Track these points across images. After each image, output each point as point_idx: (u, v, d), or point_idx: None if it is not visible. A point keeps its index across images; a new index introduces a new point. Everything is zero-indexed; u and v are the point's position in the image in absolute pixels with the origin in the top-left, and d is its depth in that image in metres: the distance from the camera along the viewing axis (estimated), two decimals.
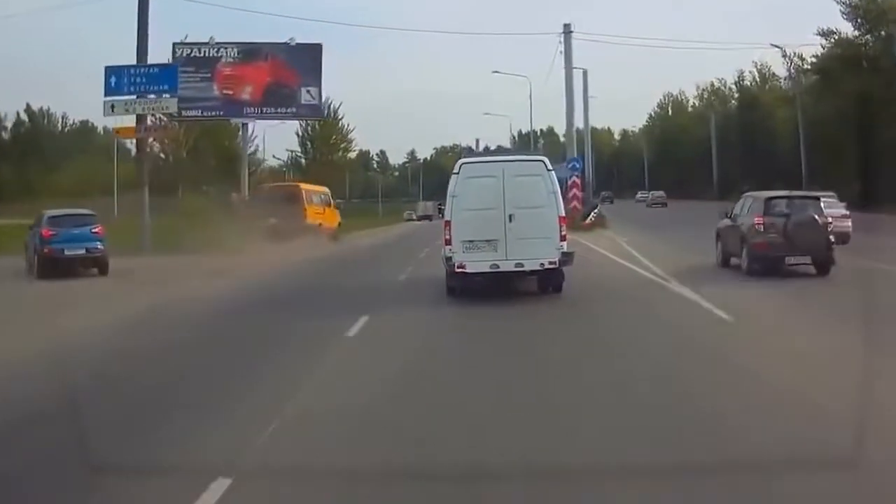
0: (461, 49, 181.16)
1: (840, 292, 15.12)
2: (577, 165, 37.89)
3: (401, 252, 28.44)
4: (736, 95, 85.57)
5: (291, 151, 61.77)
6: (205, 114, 38.05)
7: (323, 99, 58.58)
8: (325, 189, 40.30)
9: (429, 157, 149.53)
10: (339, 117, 61.36)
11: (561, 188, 15.76)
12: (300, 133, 60.21)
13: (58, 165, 63.53)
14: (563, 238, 14.30)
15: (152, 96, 32.54)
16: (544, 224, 14.25)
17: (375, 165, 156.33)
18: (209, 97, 37.11)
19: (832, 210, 22.22)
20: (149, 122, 39.68)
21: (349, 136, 62.90)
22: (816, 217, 17.58)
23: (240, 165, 55.91)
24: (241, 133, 40.04)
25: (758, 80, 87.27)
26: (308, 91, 37.12)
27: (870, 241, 23.20)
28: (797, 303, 14.04)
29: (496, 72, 68.56)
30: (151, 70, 32.49)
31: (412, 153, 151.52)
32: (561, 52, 38.54)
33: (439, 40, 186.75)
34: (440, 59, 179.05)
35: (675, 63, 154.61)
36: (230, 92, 37.14)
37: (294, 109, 37.24)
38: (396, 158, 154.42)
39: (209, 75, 37.10)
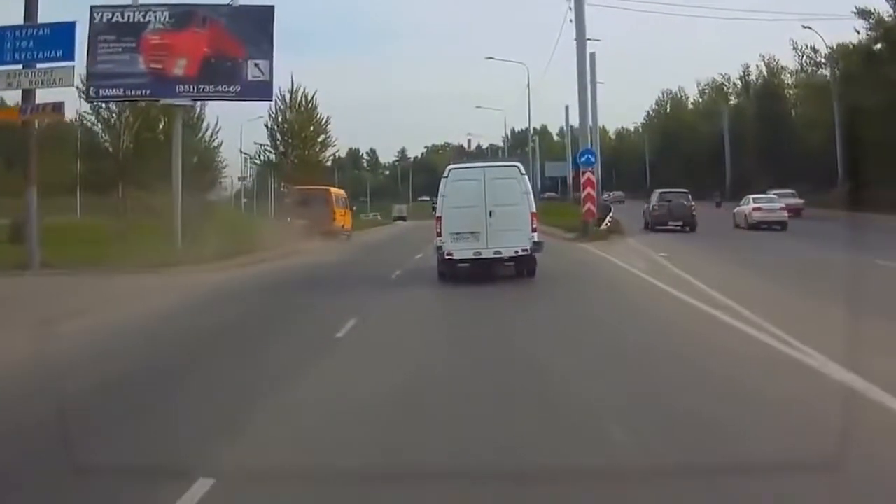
0: (454, 40, 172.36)
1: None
2: (592, 159, 29.62)
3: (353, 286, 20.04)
4: (755, 85, 78.28)
5: (260, 145, 53.03)
6: (128, 93, 29.58)
7: (295, 86, 51.16)
8: (343, 192, 44.09)
9: (419, 156, 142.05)
10: (313, 106, 53.03)
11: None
12: (268, 124, 51.71)
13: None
14: (533, 230, 16.70)
15: (42, 65, 24.31)
16: (518, 218, 16.54)
17: (365, 164, 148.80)
18: (133, 72, 28.63)
19: (772, 204, 35.10)
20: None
21: (327, 128, 54.20)
22: (685, 202, 34.51)
23: (209, 159, 47.68)
24: (193, 117, 31.42)
25: (765, 74, 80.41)
26: (256, 65, 28.65)
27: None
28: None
29: (490, 58, 60.15)
30: (41, 31, 24.05)
31: (402, 151, 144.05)
32: (571, 20, 30.40)
33: (431, 30, 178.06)
34: (432, 51, 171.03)
35: (676, 57, 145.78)
36: (159, 66, 28.64)
37: (238, 88, 28.72)
38: (387, 157, 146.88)
39: (133, 45, 28.67)
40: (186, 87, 28.78)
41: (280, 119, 51.47)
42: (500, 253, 16.73)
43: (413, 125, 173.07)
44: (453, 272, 17.12)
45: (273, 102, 51.39)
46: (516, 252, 16.73)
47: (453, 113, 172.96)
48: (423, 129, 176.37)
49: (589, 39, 29.98)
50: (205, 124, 47.02)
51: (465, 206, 16.64)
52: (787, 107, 58.93)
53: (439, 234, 16.86)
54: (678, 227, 33.71)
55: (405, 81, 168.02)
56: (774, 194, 39.19)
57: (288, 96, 51.36)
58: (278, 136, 51.56)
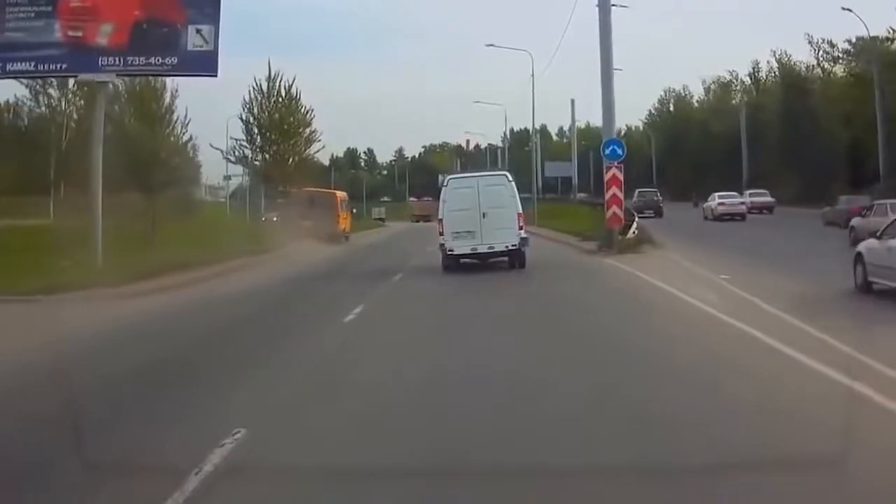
0: (453, 36, 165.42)
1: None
2: (619, 151, 22.86)
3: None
4: (764, 82, 72.03)
5: (236, 140, 46.03)
6: (40, 67, 22.96)
7: (273, 74, 43.92)
8: (346, 195, 44.81)
9: (417, 156, 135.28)
10: (296, 96, 46.11)
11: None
12: (243, 116, 44.78)
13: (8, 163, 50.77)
14: (520, 228, 19.00)
15: None
16: (507, 218, 18.78)
17: (363, 164, 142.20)
18: (48, 42, 22.16)
19: (732, 200, 41.53)
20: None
21: (311, 121, 46.91)
22: (654, 198, 49.31)
23: (176, 154, 40.50)
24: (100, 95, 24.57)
25: (776, 71, 74.38)
26: (198, 31, 22.01)
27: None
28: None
29: (491, 45, 53.30)
30: None
31: (400, 151, 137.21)
32: None
33: (429, 26, 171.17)
34: (431, 47, 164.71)
35: (672, 55, 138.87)
36: (78, 34, 22.14)
37: (175, 60, 22.14)
38: (385, 157, 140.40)
39: (49, 9, 22.19)
40: (112, 59, 22.22)
41: (256, 111, 44.63)
42: (492, 248, 18.89)
43: (411, 124, 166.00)
44: (456, 266, 19.07)
45: (248, 91, 44.96)
46: (506, 247, 18.87)
47: (451, 111, 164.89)
48: (421, 128, 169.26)
49: (614, 5, 23.32)
50: (175, 116, 39.87)
51: (462, 210, 18.75)
52: (813, 101, 52.25)
53: (442, 234, 19.10)
54: (651, 215, 42.28)
55: (403, 79, 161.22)
56: (749, 193, 46.33)
57: (265, 85, 44.60)
58: (255, 130, 44.68)
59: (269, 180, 45.35)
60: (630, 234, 23.81)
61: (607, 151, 22.87)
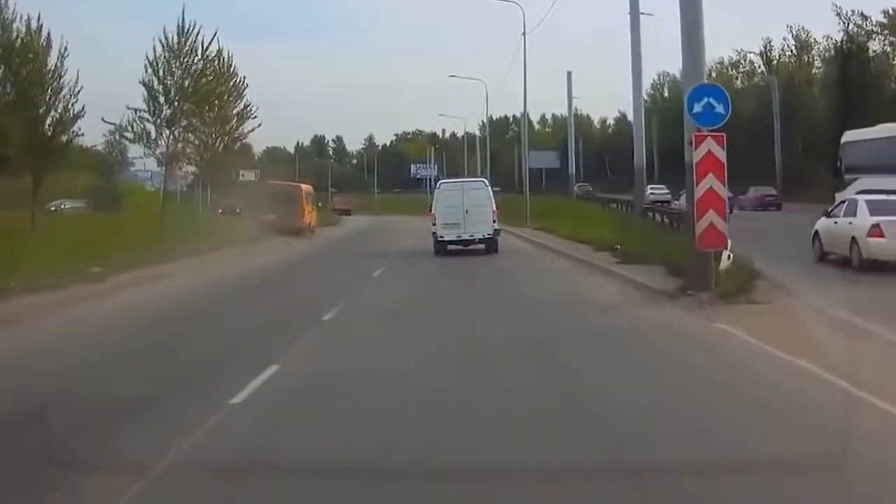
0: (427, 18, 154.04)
1: None
2: (718, 108, 11.61)
3: None
4: (779, 61, 61.98)
5: (135, 110, 34.07)
6: None
7: (188, 26, 32.19)
8: (312, 189, 45.19)
9: (388, 144, 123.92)
10: (220, 59, 34.92)
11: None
12: (145, 80, 33.10)
13: None
14: (494, 222, 24.09)
15: None
16: (485, 214, 23.98)
17: (331, 152, 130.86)
18: None
19: (662, 190, 48.93)
20: None
21: (242, 92, 36.00)
22: (588, 189, 63.99)
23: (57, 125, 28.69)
24: None
25: (794, 50, 64.59)
26: None
27: None
28: None
29: None
30: None
31: (370, 139, 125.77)
32: None
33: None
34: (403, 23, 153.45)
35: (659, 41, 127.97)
36: None
37: None
38: (354, 145, 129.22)
39: None
40: None
41: (163, 73, 33.08)
42: (473, 236, 23.96)
43: (383, 110, 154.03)
44: (445, 250, 23.89)
45: (152, 48, 33.52)
46: (483, 236, 23.93)
47: (426, 95, 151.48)
48: (393, 115, 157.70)
49: None
50: (64, 80, 28.29)
51: (450, 207, 24.01)
52: (870, 76, 41.83)
53: (434, 224, 24.26)
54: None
55: (375, 62, 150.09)
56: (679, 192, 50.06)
57: (175, 39, 33.03)
58: (160, 98, 33.16)
59: (175, 164, 34.12)
60: (724, 263, 12.81)
61: (697, 108, 11.74)
